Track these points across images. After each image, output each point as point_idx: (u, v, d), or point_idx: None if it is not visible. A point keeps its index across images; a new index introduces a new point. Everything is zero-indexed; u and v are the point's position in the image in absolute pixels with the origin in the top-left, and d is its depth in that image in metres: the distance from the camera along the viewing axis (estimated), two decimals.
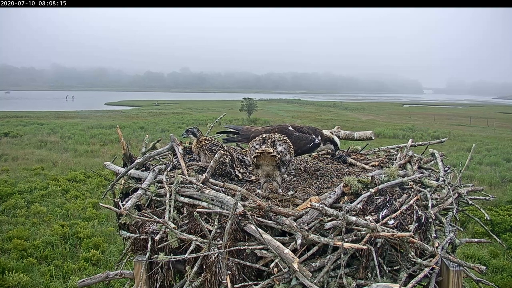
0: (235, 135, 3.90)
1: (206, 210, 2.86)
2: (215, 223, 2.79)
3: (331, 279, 2.63)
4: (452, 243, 3.15)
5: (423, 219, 2.86)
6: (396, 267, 2.79)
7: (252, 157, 3.12)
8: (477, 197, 3.92)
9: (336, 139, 3.95)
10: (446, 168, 3.73)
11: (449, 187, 3.33)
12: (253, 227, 2.61)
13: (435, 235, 2.89)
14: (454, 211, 3.27)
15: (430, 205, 2.98)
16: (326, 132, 3.99)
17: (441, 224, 3.16)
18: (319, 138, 3.82)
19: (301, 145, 3.62)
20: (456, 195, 3.45)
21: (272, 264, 2.53)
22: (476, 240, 3.59)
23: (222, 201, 2.84)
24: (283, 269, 2.51)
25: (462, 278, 2.88)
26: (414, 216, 2.84)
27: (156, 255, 2.83)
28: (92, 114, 47.05)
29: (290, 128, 3.72)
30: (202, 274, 2.75)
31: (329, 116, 51.19)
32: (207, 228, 2.71)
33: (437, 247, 2.78)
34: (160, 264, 2.90)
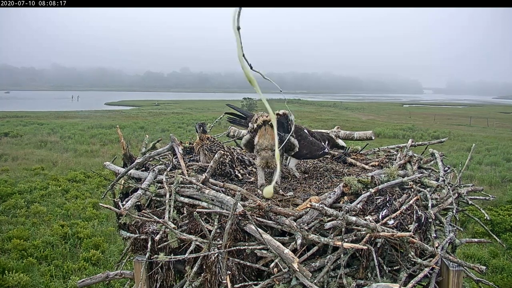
0: (242, 120, 3.78)
1: (206, 210, 2.86)
2: (215, 223, 2.79)
3: (331, 279, 2.63)
4: (452, 243, 3.15)
5: (423, 219, 2.86)
6: (396, 267, 2.79)
7: (254, 125, 3.00)
8: (477, 197, 3.92)
9: (341, 142, 4.09)
10: (446, 168, 3.73)
11: (449, 187, 3.33)
12: (253, 227, 2.61)
13: (435, 235, 2.89)
14: (454, 211, 3.27)
15: (430, 205, 2.98)
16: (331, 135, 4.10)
17: (441, 224, 3.17)
18: (328, 145, 3.94)
19: (313, 151, 3.66)
20: (456, 195, 3.45)
21: (272, 264, 2.53)
22: (476, 240, 3.58)
23: (222, 201, 2.84)
24: (283, 269, 2.51)
25: (462, 278, 2.88)
26: (414, 216, 2.84)
27: (156, 255, 2.83)
28: (92, 114, 47.03)
29: (305, 131, 3.76)
30: (202, 274, 2.75)
31: (329, 116, 51.15)
32: (207, 228, 2.71)
33: (437, 247, 2.78)
34: (160, 264, 2.90)
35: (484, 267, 2.78)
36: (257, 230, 2.57)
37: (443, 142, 4.70)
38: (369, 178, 3.04)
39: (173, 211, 2.93)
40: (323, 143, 3.82)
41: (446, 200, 3.26)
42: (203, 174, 3.14)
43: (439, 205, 3.19)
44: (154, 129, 29.56)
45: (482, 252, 8.73)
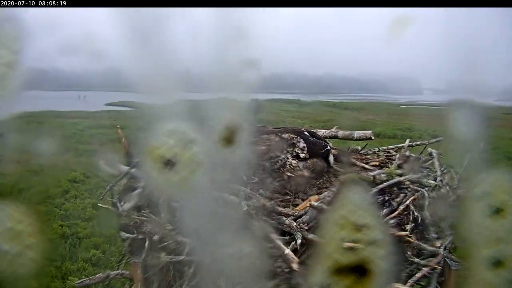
0: None
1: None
2: None
3: None
4: (454, 242, 3.14)
5: (419, 220, 2.87)
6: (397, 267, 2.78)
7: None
8: None
9: (331, 158, 3.87)
10: (443, 168, 3.70)
11: (447, 187, 3.32)
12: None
13: (435, 235, 2.89)
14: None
15: (426, 204, 2.98)
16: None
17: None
18: (330, 144, 3.89)
19: (315, 150, 3.64)
20: (456, 196, 3.43)
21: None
22: None
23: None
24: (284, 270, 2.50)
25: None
26: (411, 216, 2.85)
27: (157, 255, 2.81)
28: (92, 114, 46.94)
29: (306, 133, 3.76)
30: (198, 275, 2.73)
31: (329, 116, 51.11)
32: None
33: (439, 247, 2.78)
34: (155, 266, 2.88)
35: None
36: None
37: (442, 142, 4.66)
38: (370, 177, 3.04)
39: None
40: (324, 141, 3.81)
41: (447, 200, 3.25)
42: None
43: (438, 205, 3.18)
44: None
45: None
